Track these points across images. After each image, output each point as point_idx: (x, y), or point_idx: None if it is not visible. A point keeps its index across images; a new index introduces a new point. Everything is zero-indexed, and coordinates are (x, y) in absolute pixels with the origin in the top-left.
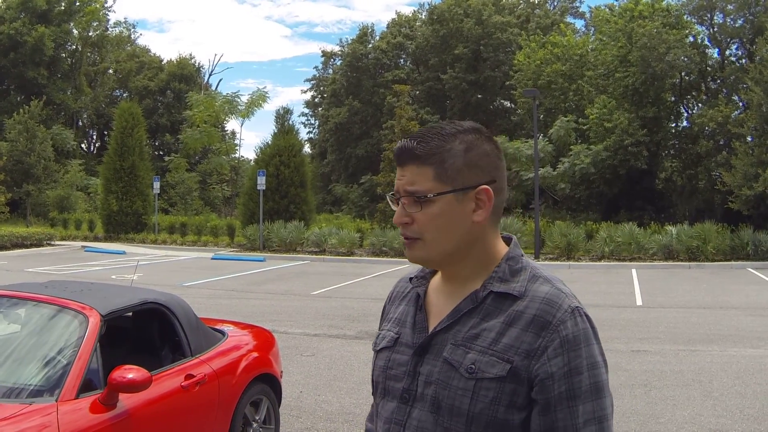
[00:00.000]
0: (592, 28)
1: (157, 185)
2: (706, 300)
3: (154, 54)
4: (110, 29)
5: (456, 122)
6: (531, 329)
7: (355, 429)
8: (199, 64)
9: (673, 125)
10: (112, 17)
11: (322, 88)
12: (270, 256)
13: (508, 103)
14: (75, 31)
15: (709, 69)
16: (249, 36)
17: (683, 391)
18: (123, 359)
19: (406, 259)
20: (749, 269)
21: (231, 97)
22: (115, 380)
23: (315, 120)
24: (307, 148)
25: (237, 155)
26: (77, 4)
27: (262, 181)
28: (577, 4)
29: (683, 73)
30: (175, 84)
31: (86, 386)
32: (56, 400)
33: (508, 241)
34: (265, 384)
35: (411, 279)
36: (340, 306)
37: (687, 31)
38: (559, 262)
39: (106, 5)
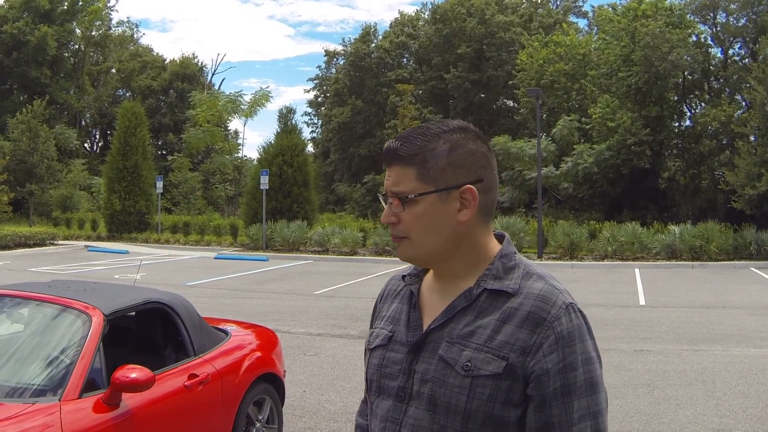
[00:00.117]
0: (595, 28)
1: (160, 185)
2: (709, 299)
3: (157, 53)
4: (113, 29)
5: (444, 122)
6: (526, 326)
7: None
8: (202, 63)
9: (676, 124)
10: (115, 17)
11: (325, 88)
12: (273, 255)
13: (511, 103)
14: (78, 31)
15: (712, 68)
16: (252, 35)
17: (686, 390)
18: (126, 359)
19: None
20: (752, 269)
21: (234, 97)
22: (119, 380)
23: (318, 119)
24: (310, 148)
25: (240, 155)
26: (80, 3)
27: (265, 181)
28: (580, 4)
29: (686, 73)
30: (178, 83)
31: (89, 386)
32: (59, 400)
33: (500, 238)
34: (268, 383)
35: (404, 277)
36: (343, 305)
37: (690, 31)
38: (562, 262)
39: (108, 5)
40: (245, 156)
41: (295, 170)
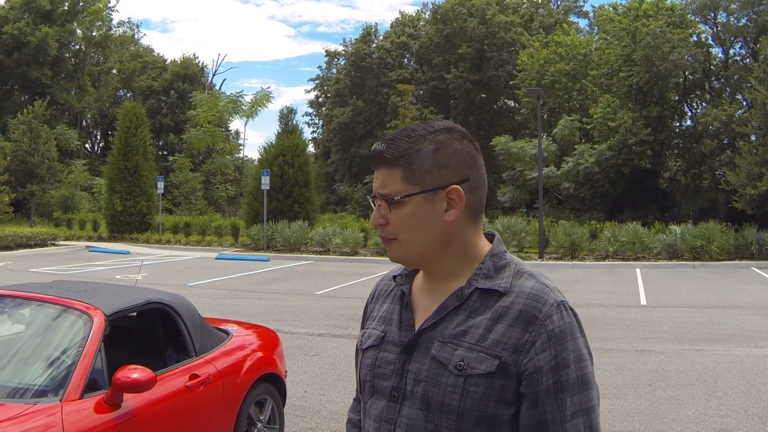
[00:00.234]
0: (596, 28)
1: (161, 185)
2: (710, 299)
3: (158, 54)
4: (114, 29)
5: (429, 123)
6: (518, 324)
7: None
8: (202, 63)
9: (677, 124)
10: (116, 17)
11: (325, 88)
12: (274, 255)
13: (512, 103)
14: (79, 31)
15: (713, 68)
16: (253, 36)
17: (687, 390)
18: (127, 359)
19: None
20: (753, 268)
21: (235, 97)
22: (120, 380)
23: (319, 120)
24: (311, 148)
25: (241, 155)
26: (81, 4)
27: (266, 181)
28: (581, 4)
29: (687, 72)
30: (179, 84)
31: (91, 386)
32: (60, 400)
33: (491, 237)
34: (270, 384)
35: (395, 277)
36: (344, 306)
37: (691, 31)
38: (563, 262)
39: (109, 5)
40: (246, 156)
41: (296, 170)
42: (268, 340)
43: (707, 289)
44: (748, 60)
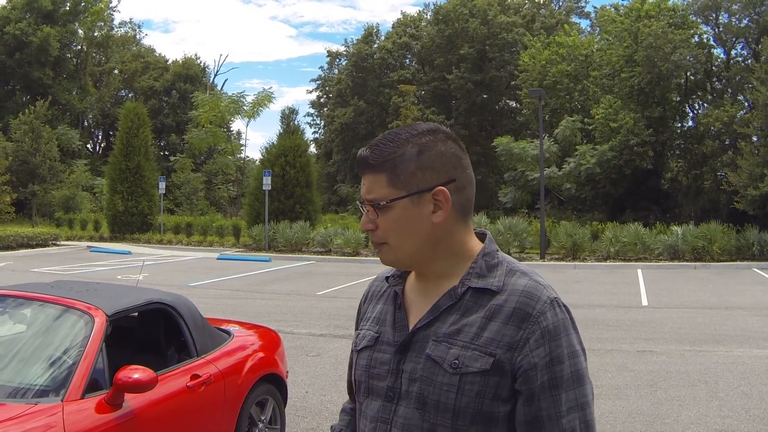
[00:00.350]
0: (598, 28)
1: (162, 185)
2: (711, 300)
3: (160, 54)
4: (115, 29)
5: (413, 126)
6: (512, 322)
7: None
8: (204, 64)
9: (679, 125)
10: (117, 17)
11: (327, 88)
12: (275, 256)
13: (513, 103)
14: (80, 32)
15: (715, 69)
16: (254, 36)
17: (689, 391)
18: (129, 359)
19: None
20: (755, 269)
21: (236, 97)
22: (121, 380)
23: (320, 120)
24: (312, 149)
25: (242, 155)
26: (82, 4)
27: (267, 182)
28: (582, 4)
29: (689, 73)
30: (181, 84)
31: (92, 386)
32: (62, 400)
33: (482, 236)
34: (271, 384)
35: (387, 278)
36: (345, 306)
37: (692, 31)
38: (564, 262)
39: (111, 5)
40: (248, 157)
41: (297, 171)
42: (270, 340)
43: (709, 290)
44: (749, 61)
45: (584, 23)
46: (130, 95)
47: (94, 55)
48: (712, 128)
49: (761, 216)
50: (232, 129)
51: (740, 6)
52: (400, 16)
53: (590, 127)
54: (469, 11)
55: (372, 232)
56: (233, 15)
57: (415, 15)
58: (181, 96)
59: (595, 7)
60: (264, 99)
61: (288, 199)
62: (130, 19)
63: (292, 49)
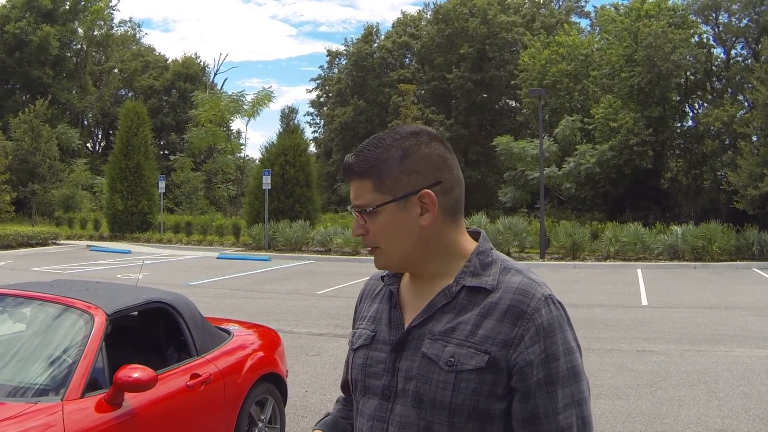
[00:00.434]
0: (598, 28)
1: (162, 184)
2: (711, 300)
3: (159, 53)
4: (115, 28)
5: (396, 130)
6: (507, 319)
7: None
8: (204, 63)
9: (679, 125)
10: (117, 16)
11: (327, 88)
12: (275, 255)
13: (513, 103)
14: (80, 31)
15: (715, 68)
16: (254, 35)
17: (688, 391)
18: (129, 358)
19: None
20: (755, 269)
21: (236, 97)
22: (121, 379)
23: (320, 119)
24: (312, 148)
25: (242, 155)
26: (82, 3)
27: (267, 181)
28: (582, 4)
29: (689, 73)
30: (180, 83)
31: (92, 385)
32: (61, 400)
33: (476, 235)
34: (271, 383)
35: (383, 278)
36: (345, 305)
37: (692, 31)
38: (564, 262)
39: (110, 4)
40: (247, 156)
41: (297, 170)
42: (270, 339)
43: (708, 290)
44: (749, 60)
45: (584, 23)
46: (129, 94)
47: (93, 54)
48: (711, 128)
49: (761, 216)
50: (231, 128)
51: (740, 6)
52: (400, 15)
53: (590, 127)
54: (468, 11)
55: (364, 237)
56: (233, 14)
57: (415, 14)
58: (180, 95)
59: (595, 7)
60: (264, 98)
61: (288, 199)
62: (130, 18)
63: (292, 48)
